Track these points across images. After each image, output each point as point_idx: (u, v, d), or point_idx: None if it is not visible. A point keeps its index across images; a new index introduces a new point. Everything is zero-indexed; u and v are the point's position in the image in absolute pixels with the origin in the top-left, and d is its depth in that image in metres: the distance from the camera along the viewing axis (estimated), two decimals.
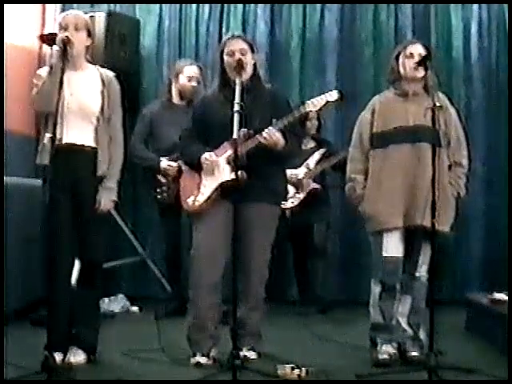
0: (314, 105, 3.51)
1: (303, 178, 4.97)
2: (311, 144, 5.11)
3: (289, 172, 4.76)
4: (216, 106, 3.53)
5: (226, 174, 3.46)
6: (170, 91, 4.93)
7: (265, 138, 3.38)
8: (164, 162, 4.73)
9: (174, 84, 4.91)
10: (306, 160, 5.01)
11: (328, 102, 3.51)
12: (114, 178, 3.42)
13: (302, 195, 5.00)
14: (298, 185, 4.97)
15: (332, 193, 5.22)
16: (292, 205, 4.92)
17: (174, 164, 4.66)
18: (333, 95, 3.51)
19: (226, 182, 3.44)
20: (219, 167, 3.48)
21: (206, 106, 3.61)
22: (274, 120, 3.42)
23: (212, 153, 3.49)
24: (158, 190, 4.78)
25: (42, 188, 3.34)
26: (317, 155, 5.03)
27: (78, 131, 3.34)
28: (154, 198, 4.86)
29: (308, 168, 5.00)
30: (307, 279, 5.10)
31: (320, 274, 5.06)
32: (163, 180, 4.75)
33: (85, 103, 3.36)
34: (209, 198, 3.49)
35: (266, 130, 3.38)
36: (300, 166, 4.99)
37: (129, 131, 4.94)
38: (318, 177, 5.06)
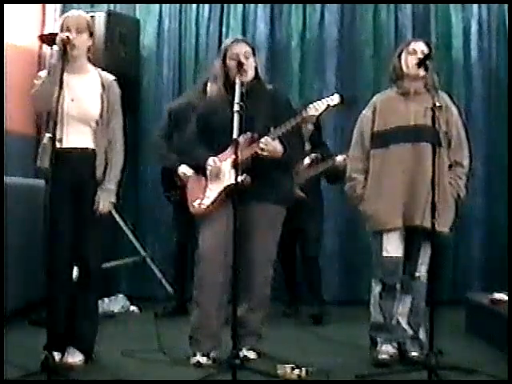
0: (315, 109, 3.48)
1: None
2: (307, 147, 4.77)
3: None
4: (219, 108, 3.54)
5: (230, 177, 3.45)
6: (204, 87, 4.68)
7: (261, 148, 3.39)
8: (181, 169, 4.45)
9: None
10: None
11: (329, 106, 3.50)
12: (113, 179, 3.42)
13: None
14: None
15: (331, 194, 5.17)
16: None
17: (190, 171, 4.47)
18: (334, 99, 3.49)
19: (230, 185, 3.44)
20: (224, 171, 3.49)
21: (208, 109, 3.63)
22: (271, 129, 3.42)
23: (216, 158, 3.51)
24: (173, 192, 4.71)
25: (45, 190, 3.34)
26: (307, 159, 4.71)
27: (77, 135, 3.34)
28: (168, 199, 4.83)
29: (297, 173, 4.58)
30: (295, 286, 5.01)
31: (315, 286, 4.81)
32: (179, 183, 4.62)
33: (85, 108, 3.35)
34: (214, 201, 3.51)
35: (262, 140, 3.39)
36: None
37: (129, 132, 4.97)
38: (309, 184, 4.70)
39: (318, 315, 4.67)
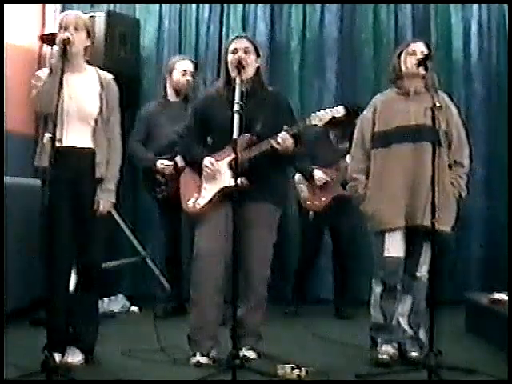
0: (319, 119, 3.46)
1: (331, 180, 4.83)
2: (346, 144, 4.82)
3: (318, 174, 4.81)
4: (218, 106, 3.53)
5: (227, 179, 3.45)
6: (165, 89, 4.93)
7: (278, 142, 3.38)
8: (159, 162, 4.71)
9: (168, 81, 4.91)
10: (337, 161, 4.82)
11: (334, 117, 3.49)
12: (112, 179, 3.42)
13: (327, 199, 4.85)
14: (324, 188, 4.83)
15: None
16: (316, 208, 4.84)
17: (169, 163, 4.66)
18: (339, 111, 3.46)
19: (227, 187, 3.44)
20: (221, 172, 3.48)
21: (207, 106, 3.61)
22: (284, 126, 3.41)
23: (213, 159, 3.49)
24: (158, 190, 4.78)
25: (41, 189, 3.34)
26: (348, 158, 4.66)
27: (76, 133, 3.34)
28: (154, 198, 4.87)
29: (338, 170, 4.80)
30: (305, 282, 5.08)
31: (345, 281, 5.01)
32: (162, 179, 4.75)
33: (83, 106, 3.35)
34: (210, 201, 3.50)
35: (280, 135, 3.38)
36: (331, 165, 4.84)
37: (129, 131, 4.98)
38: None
39: (346, 312, 4.88)
